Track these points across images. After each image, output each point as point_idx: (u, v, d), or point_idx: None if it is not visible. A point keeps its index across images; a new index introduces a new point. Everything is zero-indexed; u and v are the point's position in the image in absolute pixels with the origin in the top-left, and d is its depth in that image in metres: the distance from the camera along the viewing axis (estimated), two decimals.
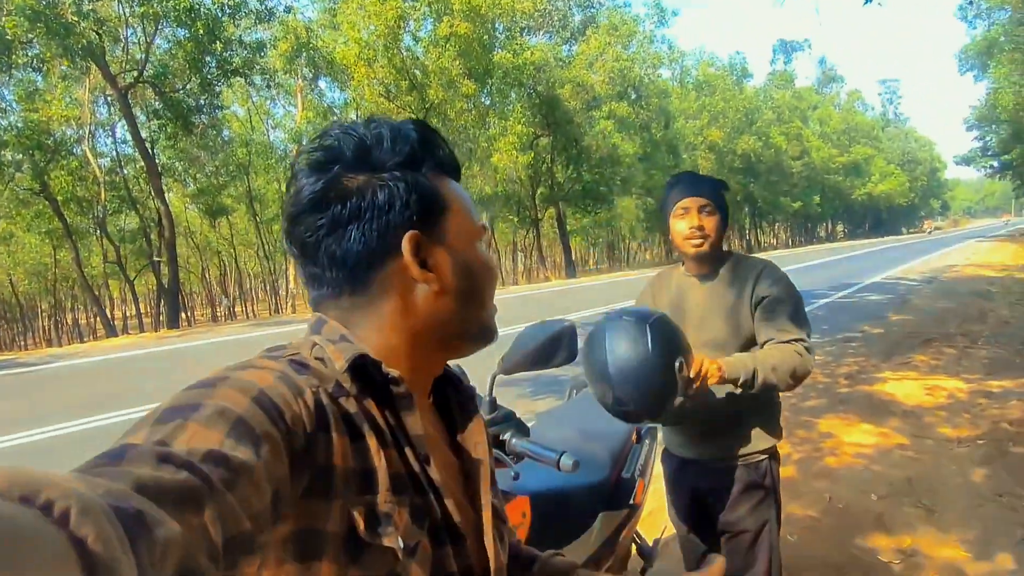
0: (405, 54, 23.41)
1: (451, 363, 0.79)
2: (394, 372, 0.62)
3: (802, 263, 24.72)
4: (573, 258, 35.60)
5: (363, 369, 0.61)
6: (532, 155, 26.87)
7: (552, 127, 28.29)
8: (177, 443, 0.44)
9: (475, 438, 0.76)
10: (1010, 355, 6.28)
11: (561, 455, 1.16)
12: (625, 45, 31.75)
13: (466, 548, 0.67)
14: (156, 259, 22.94)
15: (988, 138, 43.63)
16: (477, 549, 0.70)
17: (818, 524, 3.18)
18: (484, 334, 0.74)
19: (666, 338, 1.49)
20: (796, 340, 1.71)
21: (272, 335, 12.84)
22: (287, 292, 31.41)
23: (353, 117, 27.55)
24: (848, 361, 6.55)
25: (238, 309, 35.74)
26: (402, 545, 0.58)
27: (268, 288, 34.99)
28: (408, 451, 0.63)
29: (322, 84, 28.45)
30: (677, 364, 1.47)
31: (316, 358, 0.62)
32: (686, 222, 1.79)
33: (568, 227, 35.08)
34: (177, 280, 21.28)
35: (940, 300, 11.14)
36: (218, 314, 33.98)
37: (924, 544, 2.96)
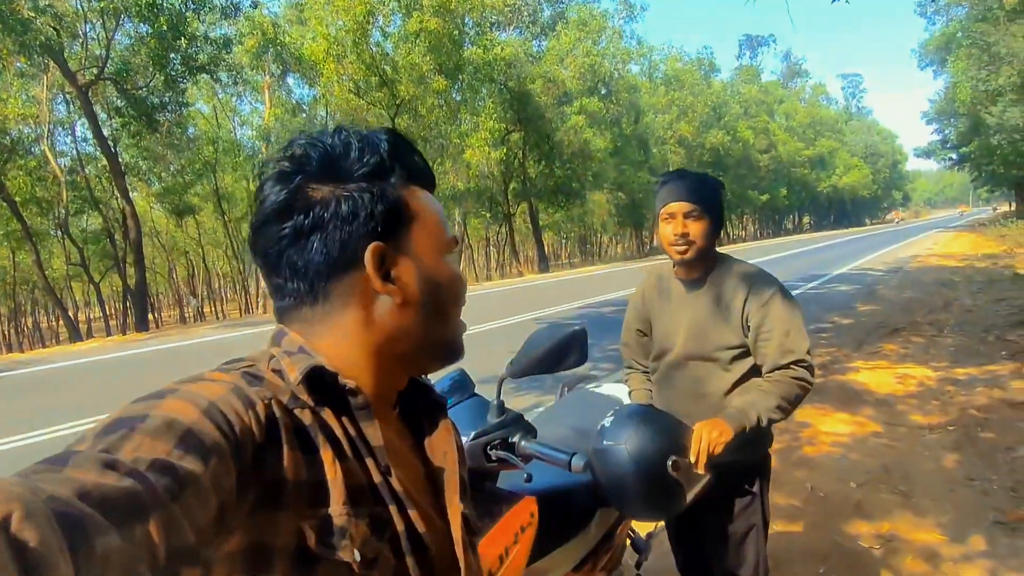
0: (375, 50, 23.16)
1: (456, 367, 0.77)
2: (351, 383, 0.61)
3: (771, 255, 25.12)
4: (546, 252, 35.69)
5: (321, 380, 0.61)
6: (504, 151, 26.84)
7: (524, 123, 28.26)
8: (123, 452, 0.43)
9: (442, 447, 0.75)
10: (974, 343, 6.47)
11: (572, 456, 1.17)
12: (595, 40, 31.91)
13: (431, 560, 0.66)
14: (122, 260, 22.42)
15: (947, 131, 44.69)
16: (449, 561, 0.69)
17: (801, 513, 3.26)
18: (448, 351, 0.72)
19: (649, 444, 1.42)
20: (796, 362, 1.68)
21: (244, 336, 12.64)
22: (257, 291, 30.95)
23: (322, 114, 27.41)
24: (821, 352, 6.68)
25: (207, 310, 35.19)
26: (359, 558, 0.57)
27: (238, 288, 34.45)
28: (369, 462, 0.62)
29: (290, 81, 28.11)
30: (669, 464, 1.41)
31: (273, 370, 0.62)
32: (671, 228, 1.73)
33: (540, 222, 35.15)
34: (144, 281, 20.80)
35: (906, 290, 11.42)
36: (187, 315, 33.40)
37: (902, 529, 3.04)
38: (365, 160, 0.65)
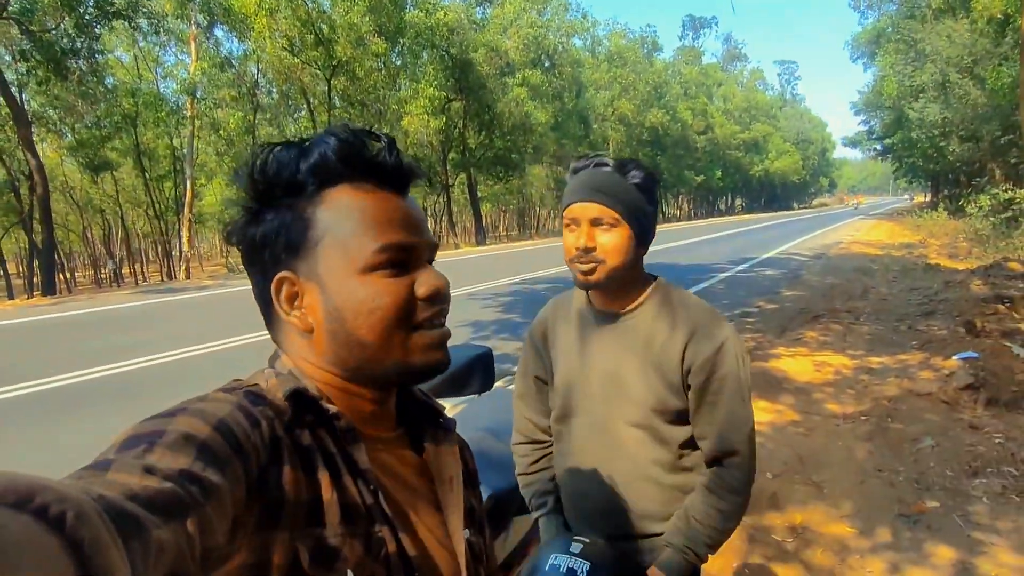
0: (311, 6, 22.13)
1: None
2: (332, 408, 0.61)
3: (705, 235, 25.74)
4: (483, 224, 35.52)
5: (305, 403, 0.61)
6: (444, 120, 26.38)
7: (465, 92, 27.81)
8: (150, 463, 0.45)
9: (449, 472, 0.73)
10: (888, 332, 6.71)
11: None
12: (540, 11, 31.52)
13: None
14: (28, 217, 20.83)
15: (873, 122, 46.64)
16: None
17: None
18: (381, 379, 0.66)
19: None
20: (732, 454, 1.26)
21: (158, 304, 11.97)
22: (180, 255, 29.43)
23: (254, 70, 26.02)
24: (746, 337, 6.79)
25: (126, 271, 33.30)
26: None
27: (160, 250, 32.69)
28: (360, 482, 0.61)
29: (219, 33, 26.45)
30: None
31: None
32: (572, 238, 1.23)
33: (479, 193, 34.91)
34: (52, 241, 19.42)
35: (828, 276, 11.84)
36: (102, 277, 31.56)
37: (814, 521, 3.09)
38: (279, 179, 0.62)
